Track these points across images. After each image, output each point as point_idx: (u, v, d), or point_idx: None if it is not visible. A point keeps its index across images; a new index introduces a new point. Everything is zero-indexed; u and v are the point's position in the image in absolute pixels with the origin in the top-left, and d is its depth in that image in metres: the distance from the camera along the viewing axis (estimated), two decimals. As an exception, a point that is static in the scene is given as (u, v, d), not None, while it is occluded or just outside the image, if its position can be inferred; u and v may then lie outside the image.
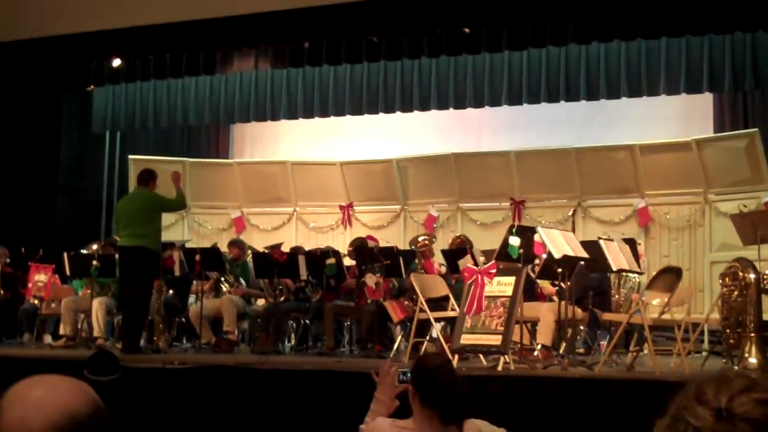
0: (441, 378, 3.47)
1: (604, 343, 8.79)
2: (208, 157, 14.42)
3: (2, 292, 11.11)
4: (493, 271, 7.13)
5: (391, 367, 3.72)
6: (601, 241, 7.47)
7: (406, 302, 9.20)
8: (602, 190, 11.80)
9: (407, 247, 10.34)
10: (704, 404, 1.32)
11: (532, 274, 8.17)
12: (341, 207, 13.00)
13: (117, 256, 9.38)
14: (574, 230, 10.82)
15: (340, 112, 13.14)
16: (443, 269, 9.74)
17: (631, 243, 8.49)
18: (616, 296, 9.00)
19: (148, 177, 9.14)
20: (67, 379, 1.58)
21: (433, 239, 10.61)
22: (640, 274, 8.90)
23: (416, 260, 9.78)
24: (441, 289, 8.38)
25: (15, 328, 10.86)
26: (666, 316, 7.72)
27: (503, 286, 7.10)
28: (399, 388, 3.66)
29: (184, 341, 10.64)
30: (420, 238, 10.24)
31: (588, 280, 8.11)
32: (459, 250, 9.41)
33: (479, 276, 7.10)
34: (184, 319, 10.42)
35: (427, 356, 3.91)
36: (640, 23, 10.12)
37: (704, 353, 8.83)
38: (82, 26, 11.74)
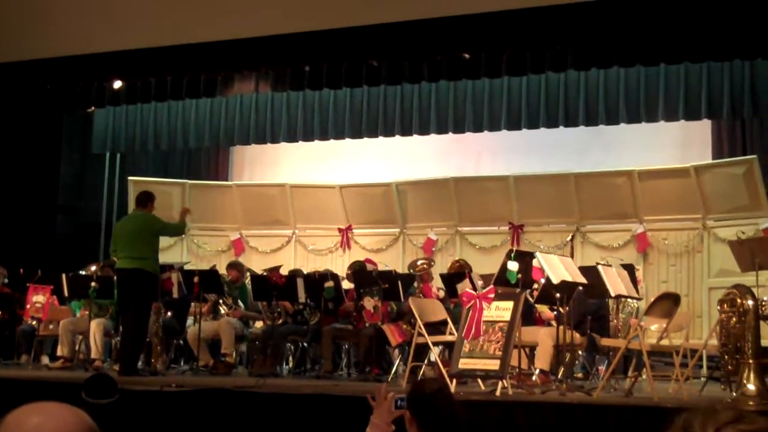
0: (438, 403, 3.48)
1: (602, 367, 8.78)
2: (208, 179, 14.45)
3: (0, 312, 11.10)
4: (492, 295, 7.13)
5: (388, 392, 3.72)
6: (600, 267, 7.49)
7: (404, 326, 9.20)
8: (601, 215, 11.82)
9: (406, 271, 10.35)
10: None
11: (530, 299, 8.17)
12: (340, 230, 13.01)
13: (115, 277, 9.36)
14: (572, 255, 10.84)
15: (339, 136, 13.18)
16: (441, 293, 9.74)
17: (630, 269, 8.51)
18: (615, 321, 9.01)
19: (146, 199, 9.15)
20: (64, 406, 1.58)
21: (432, 263, 10.63)
22: (639, 299, 8.91)
23: (414, 284, 9.78)
24: (439, 313, 8.37)
25: (12, 349, 10.84)
26: (664, 342, 7.72)
27: (501, 310, 7.10)
28: (395, 413, 3.65)
29: (182, 363, 10.62)
30: (419, 262, 10.25)
31: (586, 305, 8.11)
32: (458, 274, 9.41)
33: (477, 300, 7.10)
34: (182, 341, 10.40)
35: (425, 381, 3.91)
36: (639, 50, 10.17)
37: (703, 379, 8.82)
38: (83, 48, 11.78)
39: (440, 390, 3.57)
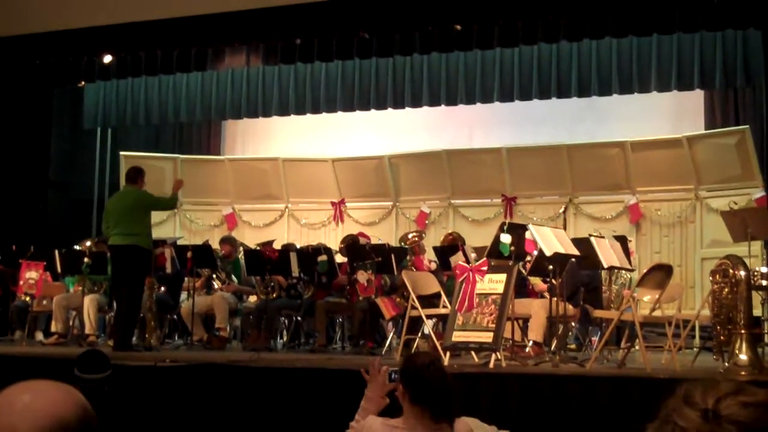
0: (430, 376, 3.49)
1: (595, 339, 8.82)
2: (200, 153, 14.41)
3: (-7, 289, 11.10)
4: (485, 268, 7.13)
5: (381, 366, 3.73)
6: (592, 239, 7.49)
7: (397, 299, 9.21)
8: (593, 186, 11.83)
9: (398, 244, 10.35)
10: (691, 405, 1.34)
11: (523, 271, 8.18)
12: (333, 203, 13.01)
13: (108, 253, 9.35)
14: (565, 227, 10.85)
15: (331, 109, 13.14)
16: (433, 265, 9.76)
17: (622, 240, 8.51)
18: (607, 293, 9.03)
19: (136, 174, 9.09)
20: (55, 384, 1.58)
21: (423, 235, 10.64)
22: (631, 270, 8.93)
23: (407, 257, 9.78)
24: (432, 286, 8.38)
25: (6, 325, 10.85)
26: (657, 313, 7.75)
27: (494, 283, 7.10)
28: (389, 387, 3.66)
29: (176, 338, 10.64)
30: (410, 235, 10.25)
31: (579, 276, 8.13)
32: (451, 246, 9.42)
33: (470, 273, 7.11)
34: (175, 316, 10.41)
35: (417, 355, 3.92)
36: (632, 20, 10.13)
37: (695, 349, 8.87)
38: (72, 22, 11.70)
39: (432, 363, 3.57)
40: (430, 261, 9.91)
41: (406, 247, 9.90)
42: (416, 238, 10.13)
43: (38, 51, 12.23)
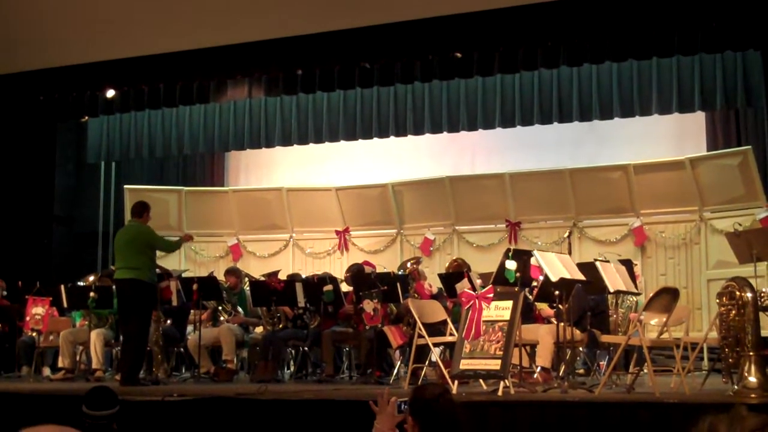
0: (440, 408, 3.47)
1: (603, 363, 8.79)
2: (203, 185, 14.47)
3: (0, 325, 11.09)
4: (491, 295, 7.12)
5: (391, 397, 3.72)
6: (598, 263, 7.48)
7: (404, 327, 9.19)
8: (597, 210, 11.83)
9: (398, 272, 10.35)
10: None
11: (530, 297, 8.16)
12: (337, 232, 13.01)
13: (114, 287, 9.35)
14: (570, 251, 10.82)
15: (334, 138, 13.18)
16: (434, 289, 9.77)
17: (628, 264, 8.50)
18: (614, 316, 9.01)
19: (141, 209, 9.12)
20: (60, 429, 1.58)
21: (420, 260, 10.65)
22: (638, 294, 8.92)
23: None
24: (439, 313, 8.36)
25: (13, 361, 10.83)
26: (665, 336, 7.71)
27: (501, 310, 7.08)
28: (398, 418, 3.65)
29: (183, 371, 10.61)
30: (408, 264, 10.27)
31: (586, 301, 8.11)
32: (456, 273, 9.41)
33: (477, 301, 7.09)
34: (182, 349, 10.39)
35: (426, 386, 3.90)
36: (631, 44, 10.18)
37: (704, 372, 8.83)
38: (75, 58, 11.79)
39: (441, 395, 3.56)
40: (430, 285, 9.91)
41: (406, 274, 9.89)
42: (414, 265, 10.14)
43: (41, 87, 12.32)
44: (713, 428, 1.35)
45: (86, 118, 13.40)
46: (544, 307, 8.64)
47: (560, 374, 7.58)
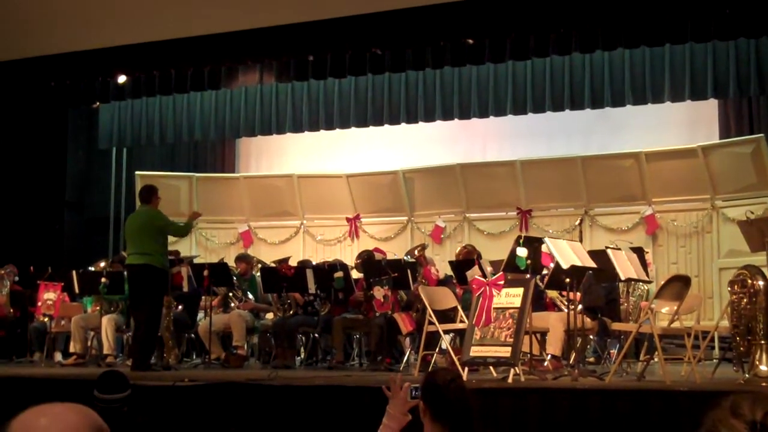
0: (451, 393, 3.48)
1: (614, 351, 8.77)
2: (214, 171, 14.46)
3: (12, 310, 11.15)
4: (501, 282, 7.12)
5: (403, 382, 3.72)
6: (609, 251, 7.46)
7: (414, 314, 9.20)
8: (609, 198, 11.80)
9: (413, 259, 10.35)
10: (739, 417, 1.34)
11: (540, 284, 8.15)
12: (348, 219, 13.01)
13: (125, 273, 9.38)
14: (581, 239, 10.80)
15: (345, 125, 13.16)
16: (441, 274, 9.78)
17: (639, 252, 8.47)
18: (625, 304, 8.98)
19: (149, 194, 9.11)
20: (72, 407, 1.58)
21: (425, 246, 10.66)
22: (649, 282, 8.89)
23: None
24: (449, 300, 8.36)
25: (25, 346, 10.88)
26: (676, 324, 7.69)
27: (511, 297, 7.08)
28: (411, 403, 3.65)
29: (194, 357, 10.64)
30: (415, 252, 10.28)
31: (597, 289, 8.09)
32: (467, 260, 9.40)
33: (487, 288, 7.09)
34: (193, 335, 10.42)
35: (437, 372, 3.91)
36: (644, 31, 10.13)
37: (715, 360, 8.81)
38: (86, 43, 11.79)
39: (453, 380, 3.56)
40: (437, 270, 9.91)
41: (414, 261, 9.90)
42: (420, 251, 10.16)
43: (53, 72, 12.33)
44: (736, 405, 1.35)
45: (98, 104, 13.44)
46: (555, 294, 8.64)
47: (571, 362, 7.58)
